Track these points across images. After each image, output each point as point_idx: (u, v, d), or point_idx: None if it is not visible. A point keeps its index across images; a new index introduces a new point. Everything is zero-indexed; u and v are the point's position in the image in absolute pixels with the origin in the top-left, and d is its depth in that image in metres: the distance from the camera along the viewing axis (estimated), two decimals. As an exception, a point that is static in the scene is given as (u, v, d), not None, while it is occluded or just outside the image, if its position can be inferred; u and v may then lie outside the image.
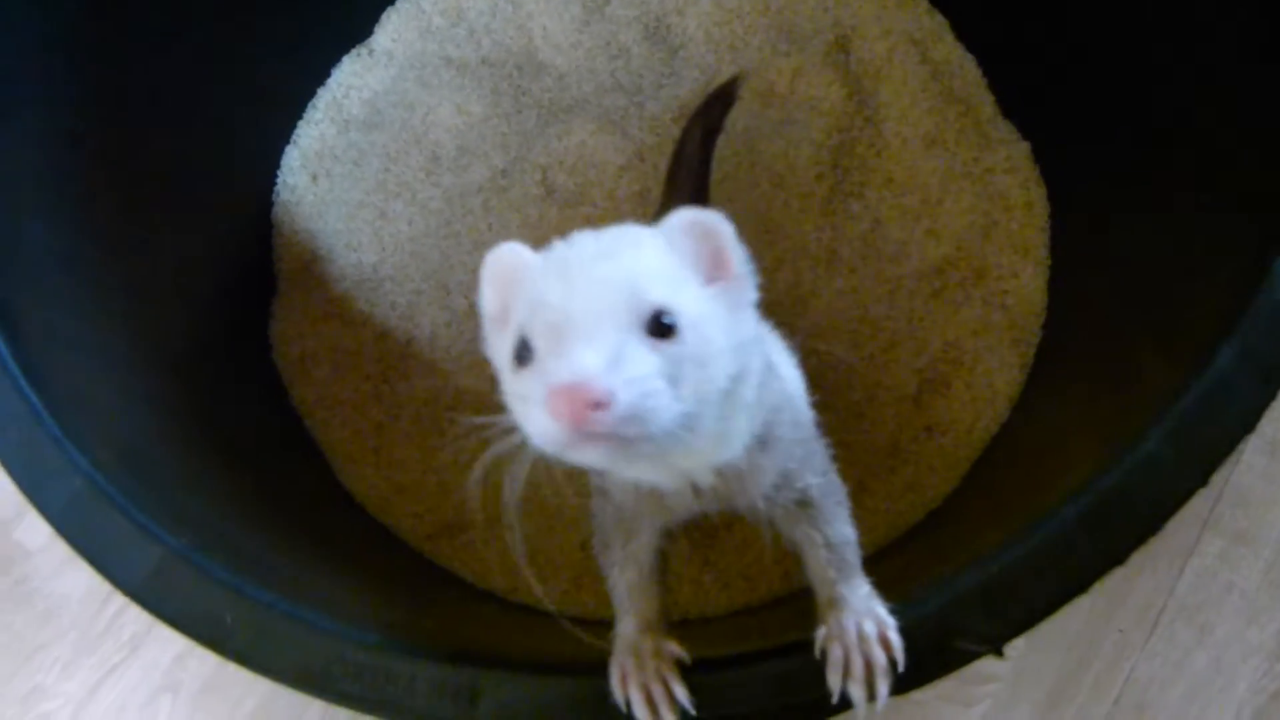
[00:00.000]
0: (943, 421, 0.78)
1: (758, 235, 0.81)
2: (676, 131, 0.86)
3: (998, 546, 0.45)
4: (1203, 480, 0.44)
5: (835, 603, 0.47)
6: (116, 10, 0.70)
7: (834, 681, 0.43)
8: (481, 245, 0.85)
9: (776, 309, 0.80)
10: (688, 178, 0.77)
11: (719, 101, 0.81)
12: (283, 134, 0.91)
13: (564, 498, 0.75)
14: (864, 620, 0.45)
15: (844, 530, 0.50)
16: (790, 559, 0.75)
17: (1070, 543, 0.44)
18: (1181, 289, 0.60)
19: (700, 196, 0.77)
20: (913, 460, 0.78)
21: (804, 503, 0.49)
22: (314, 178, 0.90)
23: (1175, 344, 0.56)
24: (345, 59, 0.93)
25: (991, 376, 0.78)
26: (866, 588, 0.48)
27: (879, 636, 0.44)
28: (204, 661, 0.87)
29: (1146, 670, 0.82)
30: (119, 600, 0.89)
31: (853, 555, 0.49)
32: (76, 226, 0.64)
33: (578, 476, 0.52)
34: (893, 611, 0.45)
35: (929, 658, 0.44)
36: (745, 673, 0.47)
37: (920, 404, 0.79)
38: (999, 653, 0.44)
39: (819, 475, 0.50)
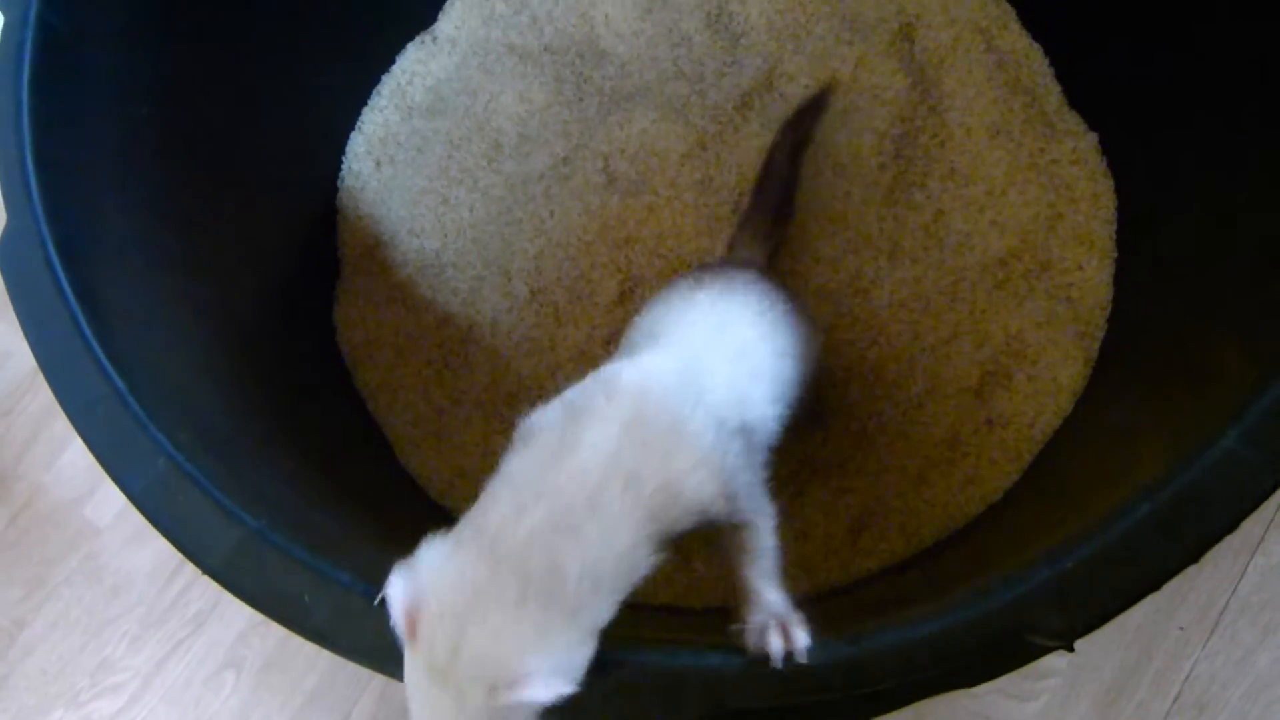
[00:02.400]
0: (1004, 414, 0.78)
1: (820, 225, 0.80)
2: (738, 120, 0.86)
3: (1070, 541, 0.45)
4: (1282, 480, 0.44)
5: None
6: (189, 7, 0.71)
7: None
8: (543, 232, 0.85)
9: (838, 298, 0.80)
10: (776, 189, 0.78)
11: (809, 113, 0.81)
12: (348, 121, 0.92)
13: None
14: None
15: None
16: (845, 550, 0.76)
17: (1146, 539, 0.44)
18: (1262, 285, 0.59)
19: (786, 209, 0.79)
20: (973, 453, 0.77)
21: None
22: (378, 164, 0.91)
23: (1252, 341, 0.56)
24: (410, 46, 0.94)
25: (1055, 370, 0.78)
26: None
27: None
28: (266, 639, 0.89)
29: (1207, 669, 0.81)
30: (185, 577, 0.92)
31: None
32: (151, 211, 0.65)
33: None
34: (962, 605, 0.45)
35: (1000, 651, 0.44)
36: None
37: (982, 396, 0.79)
38: (1070, 648, 0.44)
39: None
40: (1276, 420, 0.46)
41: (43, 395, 0.99)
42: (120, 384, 0.51)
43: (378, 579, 0.47)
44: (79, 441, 0.51)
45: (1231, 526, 0.43)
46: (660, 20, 0.91)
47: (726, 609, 0.74)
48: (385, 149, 0.91)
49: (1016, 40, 0.89)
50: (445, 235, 0.88)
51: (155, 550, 0.93)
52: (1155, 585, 0.43)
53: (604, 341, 0.82)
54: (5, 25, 0.60)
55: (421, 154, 0.90)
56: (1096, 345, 0.78)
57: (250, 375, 0.69)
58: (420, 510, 0.79)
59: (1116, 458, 0.62)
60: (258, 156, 0.80)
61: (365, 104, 0.93)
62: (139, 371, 0.53)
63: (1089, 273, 0.81)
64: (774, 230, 0.77)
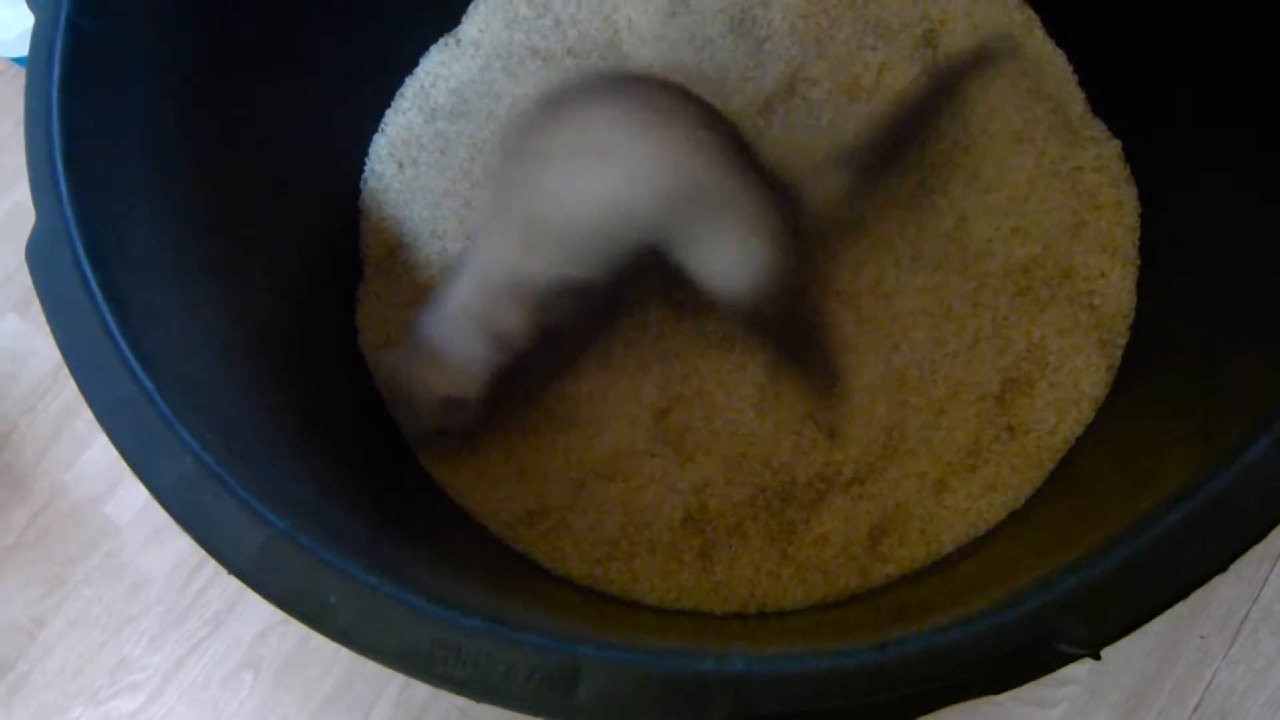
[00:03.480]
0: (1026, 421, 0.78)
1: (842, 230, 0.80)
2: (760, 124, 0.86)
3: (1098, 549, 0.45)
4: (1313, 488, 0.44)
5: None
6: (217, 11, 0.72)
7: None
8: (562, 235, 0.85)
9: (860, 304, 0.80)
10: (894, 131, 0.81)
11: (968, 67, 0.85)
12: (371, 122, 0.92)
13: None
14: None
15: None
16: (865, 556, 0.75)
17: (1176, 548, 0.43)
18: (1285, 293, 0.59)
19: (893, 155, 0.82)
20: (994, 459, 0.77)
21: None
22: (400, 166, 0.91)
23: (1278, 349, 0.56)
24: (433, 48, 0.94)
25: (1077, 377, 0.77)
26: None
27: None
28: (285, 639, 0.89)
29: (1228, 678, 0.81)
30: (204, 576, 0.92)
31: None
32: (177, 212, 0.65)
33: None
34: (990, 612, 0.45)
35: (1027, 659, 0.44)
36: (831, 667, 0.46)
37: (1003, 403, 0.78)
38: (1097, 656, 0.44)
39: None
40: (1306, 429, 0.45)
41: (64, 394, 0.99)
42: (148, 384, 0.51)
43: (404, 580, 0.48)
44: (100, 440, 0.52)
45: (1262, 535, 0.43)
46: (683, 24, 0.91)
47: (747, 615, 0.75)
48: (408, 151, 0.91)
49: (1040, 46, 0.89)
50: (467, 237, 0.88)
51: (175, 549, 0.94)
52: (1184, 594, 0.43)
53: (626, 345, 0.82)
54: (35, 27, 0.61)
55: (444, 156, 0.91)
56: (1119, 353, 0.78)
57: (274, 376, 0.69)
58: (439, 513, 0.80)
59: (1141, 465, 0.62)
60: (282, 159, 0.80)
61: (388, 106, 0.93)
62: (166, 372, 0.53)
63: (1112, 280, 0.80)
64: (870, 170, 0.79)
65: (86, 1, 0.60)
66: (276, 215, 0.79)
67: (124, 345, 0.52)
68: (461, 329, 0.74)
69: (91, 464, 0.97)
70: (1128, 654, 0.81)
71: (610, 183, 0.70)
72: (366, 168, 0.92)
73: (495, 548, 0.79)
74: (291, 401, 0.69)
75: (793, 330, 0.79)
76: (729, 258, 0.73)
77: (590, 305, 0.77)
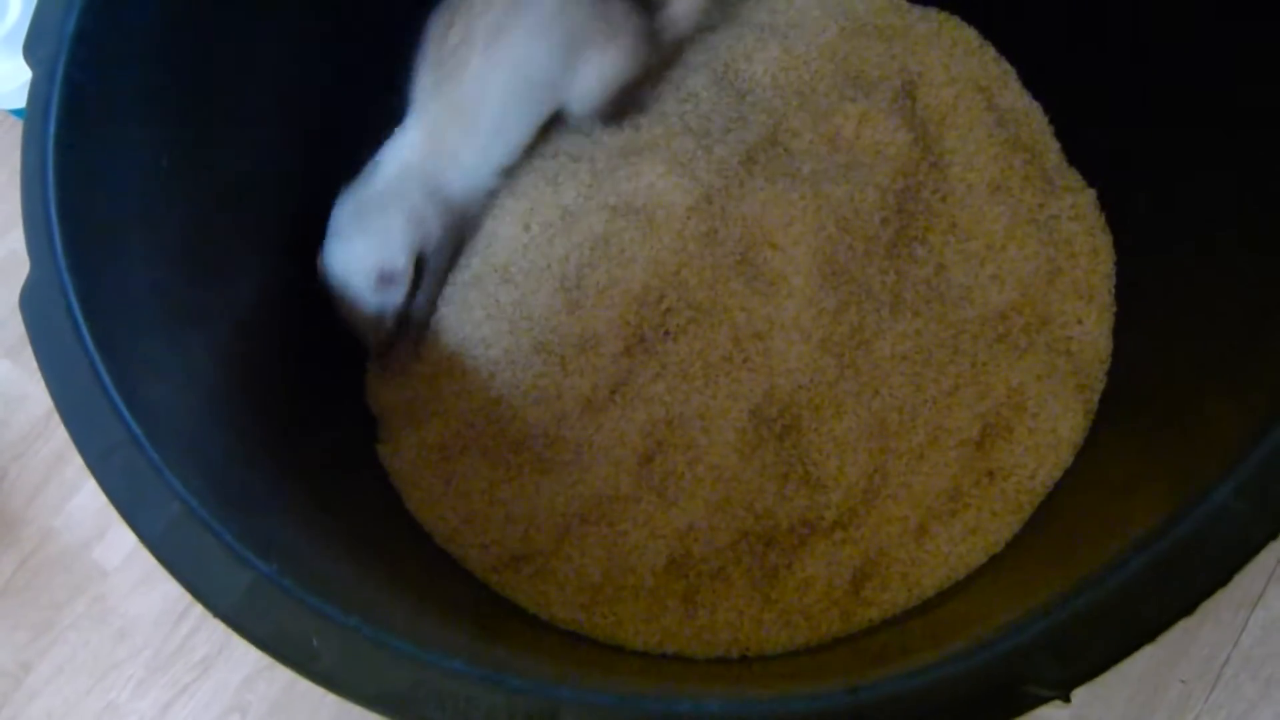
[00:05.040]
0: (1005, 466, 0.79)
1: (823, 278, 0.82)
2: (744, 174, 0.87)
3: (1067, 593, 0.46)
4: (1275, 534, 0.45)
5: None
6: (205, 53, 0.73)
7: None
8: (546, 282, 0.87)
9: (841, 350, 0.81)
10: None
11: None
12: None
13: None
14: None
15: None
16: (847, 601, 0.76)
17: (1140, 592, 0.44)
18: (1253, 338, 0.60)
19: None
20: (974, 504, 0.78)
21: None
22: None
23: (1246, 394, 0.57)
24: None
25: (1055, 422, 0.79)
26: None
27: None
28: (272, 684, 0.90)
29: (1210, 722, 0.81)
30: (191, 621, 0.92)
31: None
32: (169, 260, 0.67)
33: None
34: (961, 655, 0.46)
35: (997, 701, 0.44)
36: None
37: (983, 448, 0.80)
38: (1067, 698, 0.45)
39: None
40: (1270, 474, 0.46)
41: (55, 440, 1.00)
42: (138, 431, 0.52)
43: (386, 623, 0.48)
44: (89, 485, 0.53)
45: (1224, 580, 0.44)
46: (668, 77, 0.93)
47: (730, 659, 0.75)
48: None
49: (1016, 98, 0.91)
50: (452, 284, 0.89)
51: (163, 594, 0.94)
52: (1150, 637, 0.44)
53: (610, 390, 0.83)
54: (33, 81, 0.62)
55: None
56: (1096, 398, 0.80)
57: (264, 423, 0.70)
58: (429, 558, 0.80)
59: (1115, 510, 0.63)
60: (273, 206, 0.82)
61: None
62: (156, 419, 0.54)
63: (1088, 326, 0.82)
64: None
65: (83, 57, 0.62)
66: (268, 263, 0.80)
67: (115, 393, 0.53)
68: (384, 206, 0.83)
69: (81, 509, 0.98)
70: (1109, 699, 0.82)
71: (520, 52, 0.83)
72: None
73: (480, 592, 0.80)
74: (282, 446, 0.70)
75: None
76: (596, 76, 0.87)
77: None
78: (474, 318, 0.87)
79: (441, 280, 0.90)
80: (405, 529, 0.82)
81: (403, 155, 0.84)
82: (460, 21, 0.83)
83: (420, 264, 0.85)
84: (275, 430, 0.71)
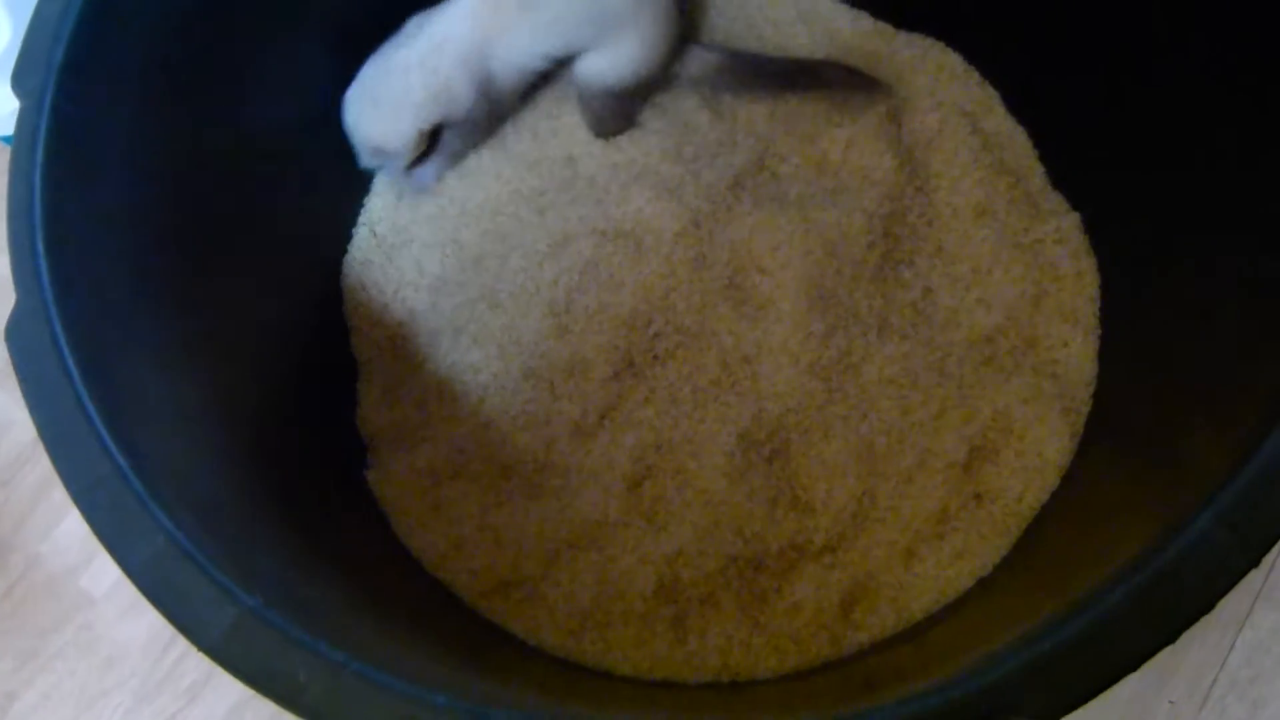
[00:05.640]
0: (992, 489, 0.79)
1: (811, 302, 0.82)
2: (731, 199, 0.88)
3: (1049, 623, 0.46)
4: (1255, 561, 0.45)
5: None
6: (193, 87, 0.74)
7: None
8: (535, 307, 0.87)
9: (829, 374, 0.82)
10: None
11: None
12: (353, 205, 0.95)
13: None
14: None
15: None
16: (836, 625, 0.76)
17: (1122, 621, 0.45)
18: (1234, 366, 0.60)
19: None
20: (962, 528, 0.78)
21: None
22: (380, 248, 0.93)
23: (1228, 420, 0.57)
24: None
25: (1042, 445, 0.79)
26: None
27: None
28: (259, 713, 0.89)
29: (1199, 744, 0.81)
30: (178, 649, 0.92)
31: None
32: (158, 292, 0.67)
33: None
34: (944, 686, 0.46)
35: (983, 732, 0.44)
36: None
37: (970, 471, 0.80)
38: (1052, 728, 0.45)
39: None
40: (1250, 502, 0.47)
41: (42, 466, 1.00)
42: (123, 463, 0.52)
43: (373, 657, 0.48)
44: (76, 512, 0.52)
45: (1205, 609, 0.44)
46: (656, 101, 0.94)
47: (720, 684, 0.75)
48: (388, 235, 0.94)
49: (1001, 123, 0.92)
50: (442, 315, 0.90)
51: (150, 622, 0.94)
52: (1132, 667, 0.44)
53: (599, 415, 0.83)
54: (20, 111, 0.62)
55: (418, 239, 0.93)
56: (1082, 421, 0.80)
57: (251, 453, 0.70)
58: (418, 585, 0.80)
59: (1101, 534, 0.63)
60: (265, 240, 0.82)
61: (368, 191, 0.97)
62: (142, 451, 0.54)
63: (1074, 349, 0.82)
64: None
65: (71, 86, 0.62)
66: (259, 295, 0.80)
67: (100, 425, 0.53)
68: (408, 77, 0.85)
69: (67, 535, 0.97)
70: (1099, 720, 0.82)
71: None
72: (349, 249, 0.94)
73: (469, 619, 0.79)
74: (268, 475, 0.70)
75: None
76: (624, 50, 0.87)
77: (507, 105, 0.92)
78: (462, 343, 0.87)
79: (462, 154, 0.93)
80: (394, 555, 0.82)
81: (452, 25, 0.85)
82: None
83: (438, 132, 0.89)
84: (263, 459, 0.71)
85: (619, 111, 0.92)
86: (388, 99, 0.86)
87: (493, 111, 0.91)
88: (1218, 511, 0.46)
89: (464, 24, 0.85)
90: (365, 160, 0.89)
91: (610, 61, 0.87)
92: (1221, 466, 0.49)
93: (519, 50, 0.86)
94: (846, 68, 0.93)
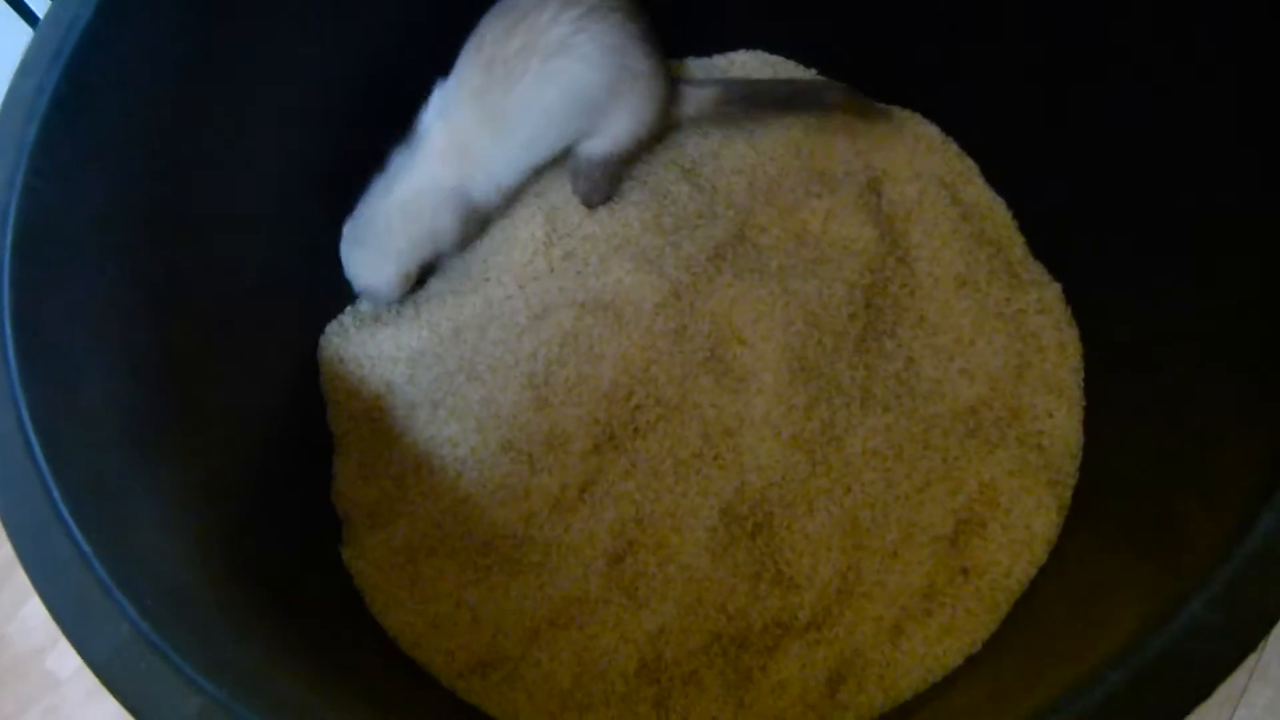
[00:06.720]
0: (980, 563, 0.78)
1: (793, 374, 0.81)
2: (712, 270, 0.87)
3: (1042, 710, 0.45)
4: (1251, 647, 0.44)
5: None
6: (166, 161, 0.73)
7: None
8: (514, 380, 0.86)
9: (812, 446, 0.81)
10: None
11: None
12: (334, 293, 0.94)
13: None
14: None
15: None
16: (823, 705, 0.74)
17: (1117, 710, 0.43)
18: (1222, 442, 0.60)
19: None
20: (950, 603, 0.77)
21: None
22: (358, 321, 0.93)
23: (1215, 496, 0.56)
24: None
25: (1029, 518, 0.78)
26: None
27: None
28: (229, 798, 0.86)
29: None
30: (146, 732, 0.89)
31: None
32: (127, 374, 0.65)
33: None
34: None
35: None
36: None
37: (956, 545, 0.79)
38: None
39: None
40: (1243, 585, 0.46)
41: (6, 546, 0.97)
42: (86, 548, 0.51)
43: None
44: (41, 593, 0.51)
45: (1202, 698, 0.43)
46: (635, 172, 0.94)
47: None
48: (361, 323, 0.93)
49: (980, 193, 0.92)
50: (420, 388, 0.89)
51: (116, 705, 0.90)
52: (1129, 758, 0.43)
53: (579, 489, 0.82)
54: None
55: (397, 318, 0.93)
56: (1069, 493, 0.79)
57: (224, 533, 0.68)
58: (394, 665, 0.78)
59: (1091, 612, 0.62)
60: (240, 316, 0.81)
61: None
62: (108, 535, 0.53)
63: (1059, 420, 0.82)
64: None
65: (42, 165, 0.61)
66: (233, 372, 0.79)
67: (64, 510, 0.52)
68: (390, 226, 0.87)
69: (33, 615, 0.95)
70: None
71: (572, 75, 0.84)
72: (326, 328, 0.93)
73: (446, 700, 0.77)
74: (240, 558, 0.68)
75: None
76: (619, 125, 0.89)
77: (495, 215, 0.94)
78: (440, 416, 0.86)
79: (451, 256, 0.94)
80: (369, 635, 0.79)
81: (426, 169, 0.86)
82: (524, 30, 0.83)
83: (430, 268, 0.92)
84: (236, 539, 0.69)
85: (615, 178, 0.93)
86: (374, 245, 0.88)
87: (481, 225, 0.93)
88: (1212, 595, 0.45)
89: (438, 168, 0.86)
90: (362, 296, 0.92)
91: (610, 138, 0.89)
92: (1215, 546, 0.48)
93: (499, 177, 0.88)
94: (846, 89, 0.94)
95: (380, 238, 0.87)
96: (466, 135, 0.85)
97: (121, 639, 0.49)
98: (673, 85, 0.91)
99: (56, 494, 0.52)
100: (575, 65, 0.84)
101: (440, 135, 0.86)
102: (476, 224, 0.92)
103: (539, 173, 0.93)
